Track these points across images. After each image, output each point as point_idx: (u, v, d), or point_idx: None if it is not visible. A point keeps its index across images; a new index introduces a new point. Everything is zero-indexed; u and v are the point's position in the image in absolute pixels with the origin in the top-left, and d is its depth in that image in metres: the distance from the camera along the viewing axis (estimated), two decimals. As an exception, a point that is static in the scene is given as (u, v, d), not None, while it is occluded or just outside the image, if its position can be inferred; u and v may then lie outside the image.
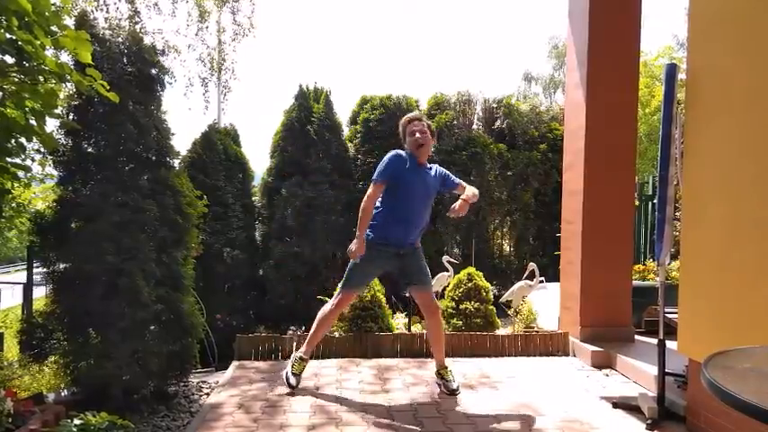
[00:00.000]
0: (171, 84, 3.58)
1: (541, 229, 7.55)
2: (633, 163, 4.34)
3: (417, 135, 3.20)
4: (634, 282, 4.57)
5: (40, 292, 4.03)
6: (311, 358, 3.55)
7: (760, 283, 2.28)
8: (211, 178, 5.97)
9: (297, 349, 3.56)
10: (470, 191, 3.25)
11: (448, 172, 3.43)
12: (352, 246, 3.12)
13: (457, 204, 3.09)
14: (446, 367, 3.38)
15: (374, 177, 3.19)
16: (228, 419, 2.86)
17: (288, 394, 3.24)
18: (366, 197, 3.17)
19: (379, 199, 3.23)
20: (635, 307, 4.37)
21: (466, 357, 4.12)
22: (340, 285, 3.34)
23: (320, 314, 3.38)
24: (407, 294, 3.49)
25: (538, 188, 7.48)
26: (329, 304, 3.36)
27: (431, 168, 3.35)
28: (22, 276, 4.62)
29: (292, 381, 3.31)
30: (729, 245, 2.48)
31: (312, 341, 3.42)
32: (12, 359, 3.86)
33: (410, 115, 3.36)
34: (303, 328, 5.34)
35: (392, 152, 3.24)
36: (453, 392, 3.25)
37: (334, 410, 2.98)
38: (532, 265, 4.82)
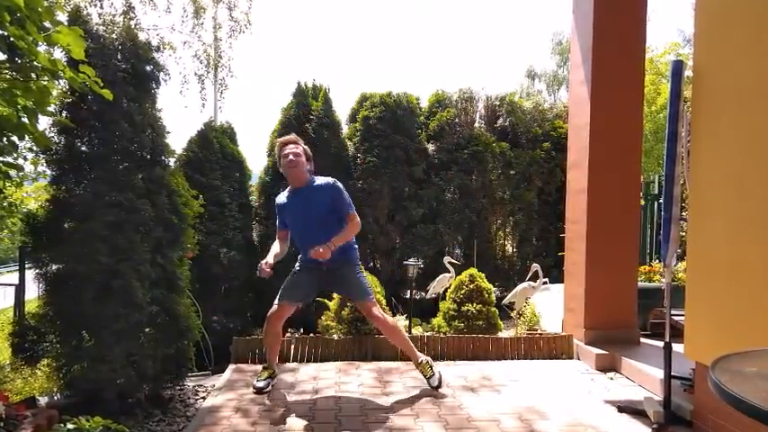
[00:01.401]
0: (166, 81, 3.57)
1: (545, 230, 7.55)
2: (639, 161, 4.34)
3: (290, 158, 3.32)
4: (639, 283, 4.57)
5: (32, 294, 4.03)
6: (309, 361, 3.55)
7: (768, 284, 2.28)
8: (208, 177, 5.97)
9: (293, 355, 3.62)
10: (341, 235, 3.23)
11: (342, 196, 3.31)
12: (262, 262, 3.29)
13: (320, 248, 3.11)
14: (421, 362, 3.47)
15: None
16: (225, 423, 2.87)
17: (282, 394, 3.26)
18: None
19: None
20: (640, 309, 4.36)
21: (468, 360, 4.12)
22: (277, 298, 3.47)
23: (264, 332, 3.48)
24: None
25: (541, 187, 7.48)
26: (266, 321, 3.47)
27: (319, 186, 3.36)
28: (13, 278, 4.62)
29: (259, 384, 3.38)
30: (738, 245, 2.48)
31: (271, 356, 3.55)
32: (3, 362, 3.86)
33: (283, 139, 3.47)
34: (301, 330, 5.35)
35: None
36: (436, 389, 3.37)
37: (333, 414, 2.98)
38: (536, 266, 4.83)
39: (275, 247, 3.46)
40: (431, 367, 3.45)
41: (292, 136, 3.47)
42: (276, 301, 3.45)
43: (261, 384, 3.37)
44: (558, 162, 7.17)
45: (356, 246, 3.50)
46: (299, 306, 3.52)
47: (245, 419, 2.92)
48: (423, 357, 3.50)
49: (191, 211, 3.55)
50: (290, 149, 3.35)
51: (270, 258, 3.31)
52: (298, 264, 3.52)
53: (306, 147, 3.45)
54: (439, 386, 3.39)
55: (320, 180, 3.39)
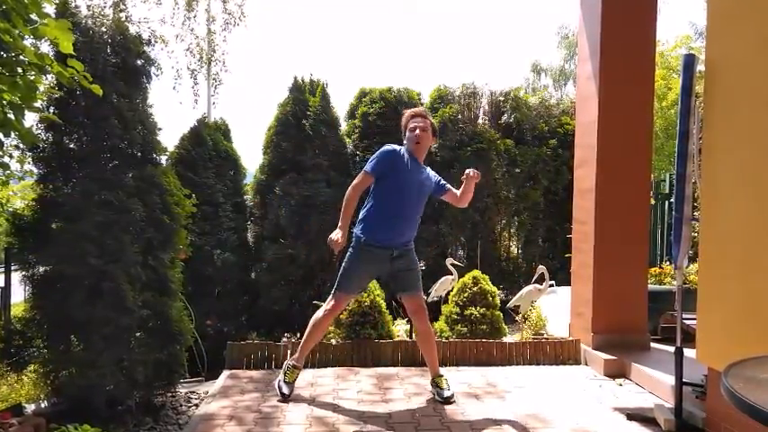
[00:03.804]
0: (158, 76, 3.58)
1: (551, 230, 7.55)
2: (649, 159, 4.34)
3: (417, 132, 3.28)
4: (650, 286, 4.58)
5: (18, 297, 4.03)
6: (306, 366, 3.55)
7: (783, 287, 2.28)
8: (201, 176, 5.97)
9: (290, 356, 3.58)
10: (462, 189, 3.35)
11: (440, 177, 3.50)
12: (333, 235, 3.16)
13: (471, 171, 3.23)
14: (441, 375, 3.44)
15: (365, 168, 3.30)
16: (219, 432, 2.87)
17: (281, 402, 3.26)
18: (351, 185, 3.29)
19: (372, 196, 3.31)
20: (651, 313, 4.36)
21: (471, 366, 4.12)
22: (334, 289, 3.36)
23: (312, 320, 3.41)
24: (399, 299, 3.57)
25: (547, 186, 7.48)
26: (322, 309, 3.39)
27: (425, 169, 3.41)
28: (-1, 280, 4.62)
29: (285, 390, 3.33)
30: (751, 246, 2.48)
31: (305, 349, 3.45)
32: (-12, 368, 3.85)
33: (414, 110, 3.43)
34: (298, 335, 5.33)
35: (387, 146, 3.32)
36: (447, 401, 3.29)
37: (331, 422, 2.99)
38: (542, 268, 4.83)
39: (351, 206, 3.25)
40: (447, 381, 3.42)
41: (422, 109, 3.50)
42: (337, 294, 3.30)
43: (287, 391, 3.31)
44: (565, 160, 7.17)
45: None
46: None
47: (240, 428, 2.92)
48: (444, 373, 3.48)
49: (183, 210, 3.55)
50: (418, 123, 3.29)
51: (345, 227, 3.18)
52: (364, 244, 3.24)
53: (433, 122, 3.42)
54: (450, 399, 3.30)
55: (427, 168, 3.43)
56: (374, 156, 3.32)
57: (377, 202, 3.28)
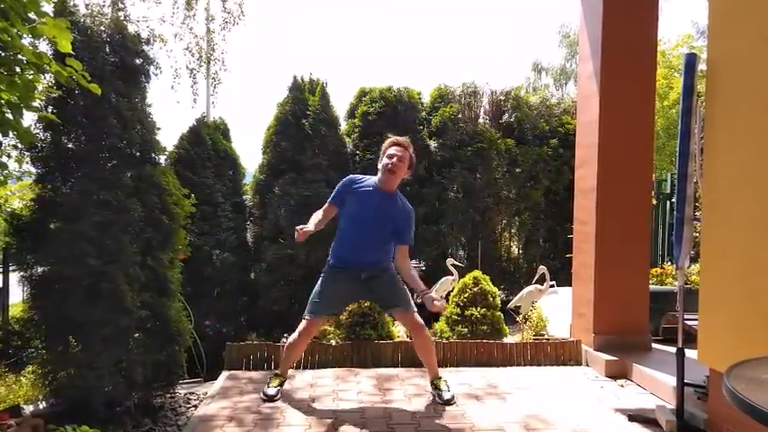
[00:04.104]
0: (157, 75, 3.58)
1: (552, 230, 7.55)
2: (650, 159, 4.34)
3: (394, 161, 3.26)
4: (651, 286, 4.58)
5: (16, 298, 4.03)
6: (306, 367, 3.55)
7: (786, 287, 2.28)
8: (200, 176, 5.97)
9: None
10: (416, 279, 3.28)
11: (412, 225, 3.36)
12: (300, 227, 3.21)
13: (437, 302, 3.13)
14: (440, 377, 3.45)
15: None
16: (218, 433, 2.87)
17: (266, 401, 3.29)
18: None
19: (339, 222, 3.43)
20: (652, 313, 4.37)
21: (472, 367, 4.12)
22: (305, 312, 3.39)
23: (288, 342, 3.46)
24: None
25: (548, 186, 7.48)
26: (295, 333, 3.40)
27: (401, 202, 3.37)
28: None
29: (270, 391, 3.36)
30: (753, 246, 2.48)
31: (285, 365, 3.53)
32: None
33: (397, 138, 3.39)
34: (298, 335, 5.34)
35: (350, 175, 3.47)
36: (447, 402, 3.29)
37: (331, 423, 2.99)
38: (543, 269, 4.83)
39: (318, 216, 3.34)
40: (446, 383, 3.44)
41: (405, 139, 3.38)
42: (306, 315, 3.35)
43: (272, 391, 3.35)
44: (566, 159, 7.16)
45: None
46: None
47: (239, 429, 2.92)
48: (443, 375, 3.50)
49: (182, 210, 3.55)
50: (396, 151, 3.27)
51: (310, 225, 3.23)
52: (331, 267, 3.40)
53: (413, 154, 3.36)
54: (450, 401, 3.30)
55: (402, 198, 3.38)
56: None
57: (339, 229, 3.42)
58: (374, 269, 3.33)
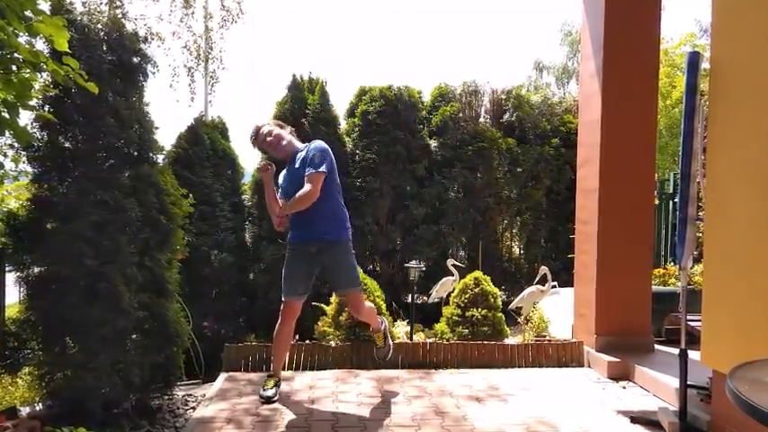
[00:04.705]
0: (154, 74, 3.58)
1: (554, 230, 7.55)
2: (653, 159, 4.34)
3: (267, 140, 3.52)
4: (654, 287, 4.57)
5: (12, 298, 4.03)
6: (305, 369, 3.56)
7: (790, 288, 2.28)
8: (198, 175, 5.97)
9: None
10: (293, 201, 3.37)
11: (313, 155, 3.35)
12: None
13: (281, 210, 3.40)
14: (379, 330, 3.79)
15: None
16: (216, 435, 2.87)
17: (264, 403, 3.29)
18: None
19: None
20: (655, 314, 4.36)
21: (472, 368, 4.12)
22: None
23: (274, 334, 3.53)
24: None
25: (550, 186, 7.48)
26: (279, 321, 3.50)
27: (299, 153, 3.49)
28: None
29: (268, 393, 3.37)
30: (757, 246, 2.48)
31: (277, 361, 3.57)
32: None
33: (251, 138, 3.63)
34: (296, 337, 5.34)
35: None
36: (382, 360, 3.77)
37: (330, 425, 2.99)
38: (544, 269, 4.83)
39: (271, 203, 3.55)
40: (385, 338, 3.67)
41: (251, 131, 3.61)
42: (283, 297, 3.50)
43: (269, 393, 3.37)
44: (568, 159, 7.17)
45: (349, 226, 3.51)
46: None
47: (238, 431, 2.92)
48: (383, 326, 3.78)
49: (180, 210, 3.55)
50: (261, 138, 3.52)
51: (276, 210, 3.45)
52: (288, 245, 3.56)
53: (270, 123, 3.60)
54: (384, 358, 3.77)
55: (307, 145, 3.48)
56: None
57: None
58: (325, 241, 3.40)
